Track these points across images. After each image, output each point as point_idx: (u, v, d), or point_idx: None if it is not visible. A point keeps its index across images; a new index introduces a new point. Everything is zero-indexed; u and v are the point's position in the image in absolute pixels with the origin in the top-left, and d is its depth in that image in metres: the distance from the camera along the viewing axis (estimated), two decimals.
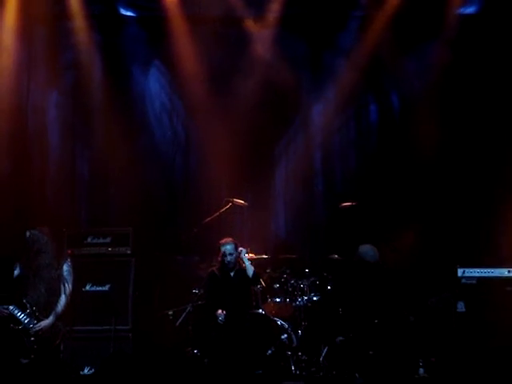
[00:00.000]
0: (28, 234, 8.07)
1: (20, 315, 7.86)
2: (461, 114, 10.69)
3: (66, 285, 8.02)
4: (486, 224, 10.21)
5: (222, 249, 9.19)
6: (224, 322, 8.92)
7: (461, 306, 9.00)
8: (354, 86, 10.88)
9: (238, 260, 9.27)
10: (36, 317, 7.87)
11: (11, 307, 7.87)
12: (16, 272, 8.05)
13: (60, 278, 8.01)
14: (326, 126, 11.22)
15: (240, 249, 9.24)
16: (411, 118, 10.77)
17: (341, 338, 8.37)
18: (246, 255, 9.23)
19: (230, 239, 9.24)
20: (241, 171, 10.73)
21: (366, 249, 8.55)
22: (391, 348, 8.29)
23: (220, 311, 8.94)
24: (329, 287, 9.56)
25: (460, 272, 9.17)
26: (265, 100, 10.99)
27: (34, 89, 10.96)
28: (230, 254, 9.17)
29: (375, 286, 8.48)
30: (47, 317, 7.91)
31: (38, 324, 7.86)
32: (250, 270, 9.16)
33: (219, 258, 9.26)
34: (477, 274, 9.16)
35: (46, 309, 7.94)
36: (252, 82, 10.97)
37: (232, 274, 9.25)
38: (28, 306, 7.89)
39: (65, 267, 8.07)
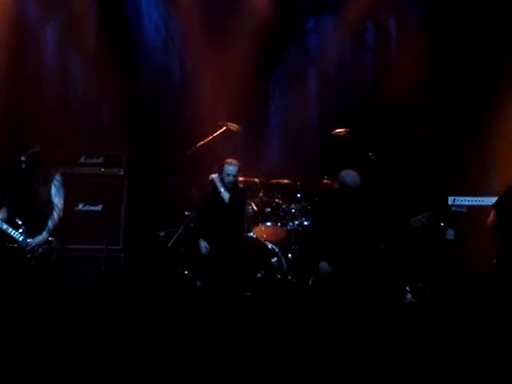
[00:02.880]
0: (23, 157, 8.00)
1: (14, 234, 7.92)
2: (456, 41, 10.56)
3: (57, 200, 8.06)
4: (478, 152, 10.21)
5: (226, 167, 9.22)
6: (208, 251, 9.06)
7: (450, 234, 9.08)
8: (351, 11, 10.79)
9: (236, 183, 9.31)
10: (30, 234, 7.93)
11: (5, 226, 7.92)
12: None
13: (50, 195, 8.04)
14: (322, 52, 11.13)
15: (211, 176, 9.29)
16: (408, 45, 10.67)
17: (324, 263, 8.36)
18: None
19: (236, 161, 9.26)
20: (236, 96, 10.63)
21: (347, 174, 8.48)
22: (377, 273, 8.33)
23: (203, 243, 9.08)
24: (317, 212, 9.58)
25: (451, 200, 9.23)
26: (261, 25, 10.86)
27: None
28: (232, 175, 9.20)
29: (356, 211, 8.46)
30: (41, 233, 7.97)
31: (33, 240, 7.92)
32: (226, 196, 9.20)
33: (219, 176, 9.26)
34: (467, 203, 9.22)
35: (40, 227, 7.99)
36: (247, 7, 10.86)
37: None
38: (22, 224, 7.94)
39: (54, 183, 8.07)
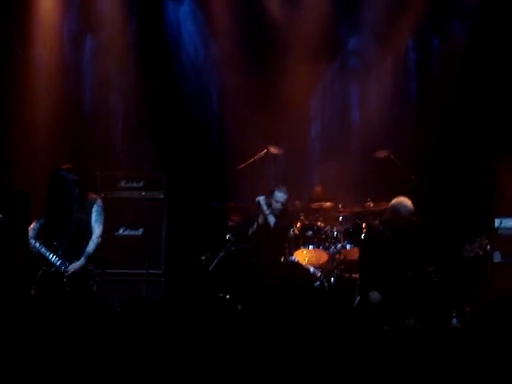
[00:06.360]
0: (54, 175, 7.90)
1: (52, 257, 7.83)
2: (504, 58, 10.33)
3: (97, 225, 7.94)
4: None
5: (276, 193, 9.10)
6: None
7: (497, 256, 8.89)
8: (392, 29, 10.65)
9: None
10: (68, 259, 7.86)
11: (43, 249, 7.83)
12: (37, 224, 7.97)
13: (90, 219, 7.95)
14: (363, 71, 11.00)
15: (257, 198, 9.19)
16: (451, 63, 10.48)
17: (375, 293, 8.22)
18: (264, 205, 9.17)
19: (286, 189, 9.16)
20: (276, 118, 10.58)
21: (401, 203, 8.32)
22: (423, 298, 8.17)
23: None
24: (362, 235, 9.43)
25: (497, 222, 9.04)
26: (300, 45, 10.78)
27: (68, 32, 10.85)
28: (281, 203, 9.09)
29: (405, 239, 8.31)
30: (79, 258, 7.91)
31: (70, 266, 7.84)
32: (272, 220, 9.13)
33: (267, 199, 9.16)
34: None
35: (77, 251, 7.85)
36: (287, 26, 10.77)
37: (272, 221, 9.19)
38: (59, 248, 7.85)
39: (94, 208, 7.91)
